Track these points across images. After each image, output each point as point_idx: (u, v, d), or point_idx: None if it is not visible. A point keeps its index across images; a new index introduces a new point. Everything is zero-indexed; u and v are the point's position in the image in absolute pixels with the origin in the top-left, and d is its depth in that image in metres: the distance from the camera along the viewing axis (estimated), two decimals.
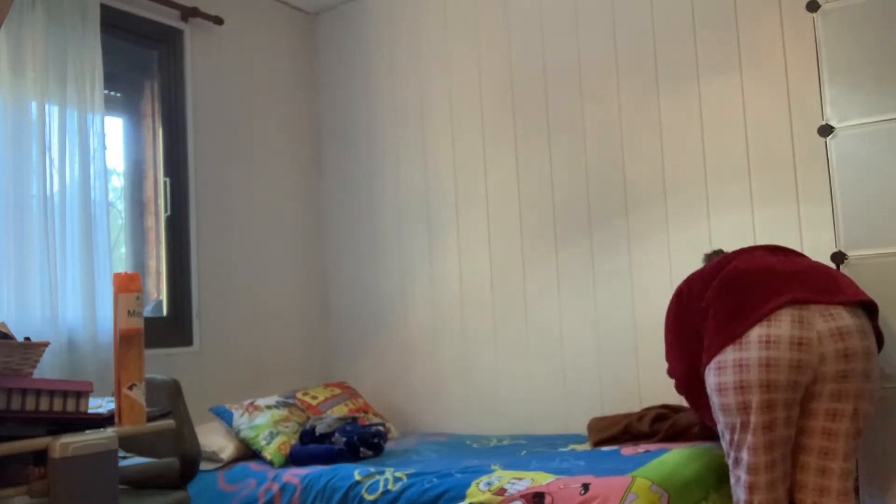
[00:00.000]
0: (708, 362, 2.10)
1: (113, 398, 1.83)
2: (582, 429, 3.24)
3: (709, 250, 2.89)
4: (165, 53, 3.54)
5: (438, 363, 3.75)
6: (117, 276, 1.80)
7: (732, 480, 2.11)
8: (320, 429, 3.08)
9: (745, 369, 1.99)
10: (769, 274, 2.10)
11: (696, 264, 2.97)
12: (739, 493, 2.07)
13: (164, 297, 3.45)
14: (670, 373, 2.42)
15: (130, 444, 2.18)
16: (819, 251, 2.73)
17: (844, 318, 2.01)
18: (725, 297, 2.11)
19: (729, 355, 2.02)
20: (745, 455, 2.03)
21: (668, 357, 2.42)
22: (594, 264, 3.35)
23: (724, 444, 2.13)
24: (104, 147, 3.04)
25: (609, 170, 3.33)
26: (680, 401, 3.08)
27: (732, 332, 2.03)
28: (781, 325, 1.99)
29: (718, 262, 2.28)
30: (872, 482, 2.26)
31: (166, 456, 2.20)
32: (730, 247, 3.01)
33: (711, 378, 2.08)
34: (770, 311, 2.00)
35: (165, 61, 3.54)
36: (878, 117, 2.43)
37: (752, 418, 1.99)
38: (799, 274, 2.10)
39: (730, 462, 2.12)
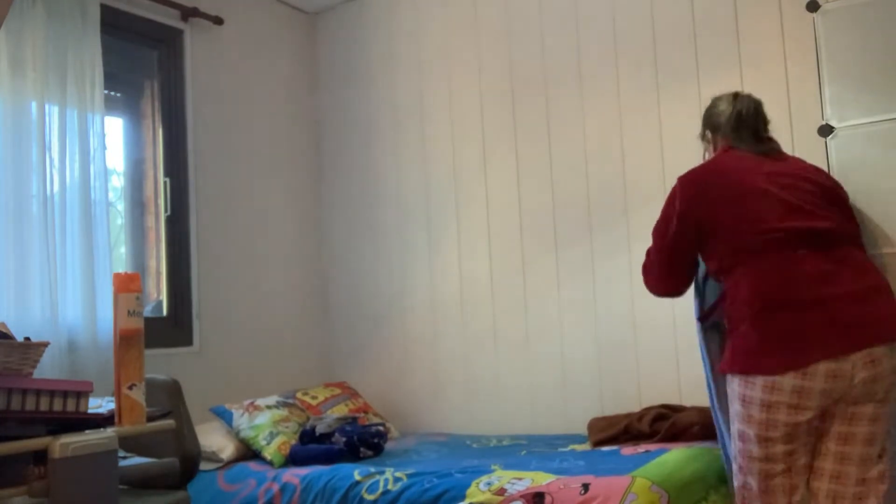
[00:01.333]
0: (751, 373, 1.97)
1: (113, 398, 1.83)
2: (582, 429, 3.24)
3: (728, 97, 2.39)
4: (165, 53, 3.54)
5: (438, 363, 3.75)
6: (117, 276, 1.80)
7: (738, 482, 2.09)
8: (320, 429, 3.08)
9: (804, 395, 1.91)
10: (833, 306, 1.94)
11: None
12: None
13: (164, 297, 3.45)
14: (649, 264, 2.32)
15: (130, 444, 2.18)
16: None
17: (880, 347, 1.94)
18: (776, 314, 1.96)
19: (788, 381, 1.91)
20: (766, 465, 2.01)
21: (653, 248, 2.28)
22: (594, 264, 3.35)
23: (738, 445, 2.06)
24: (104, 147, 3.04)
25: (609, 170, 3.33)
26: (680, 401, 3.08)
27: (792, 361, 1.91)
28: (848, 363, 1.91)
29: (752, 209, 2.04)
30: None
31: (166, 456, 2.20)
32: None
33: (757, 392, 1.95)
34: (839, 352, 1.89)
35: (165, 61, 3.54)
36: (878, 117, 2.43)
37: (795, 440, 1.97)
38: (864, 312, 1.95)
39: (740, 472, 2.07)
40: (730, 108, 2.28)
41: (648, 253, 2.31)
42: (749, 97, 2.30)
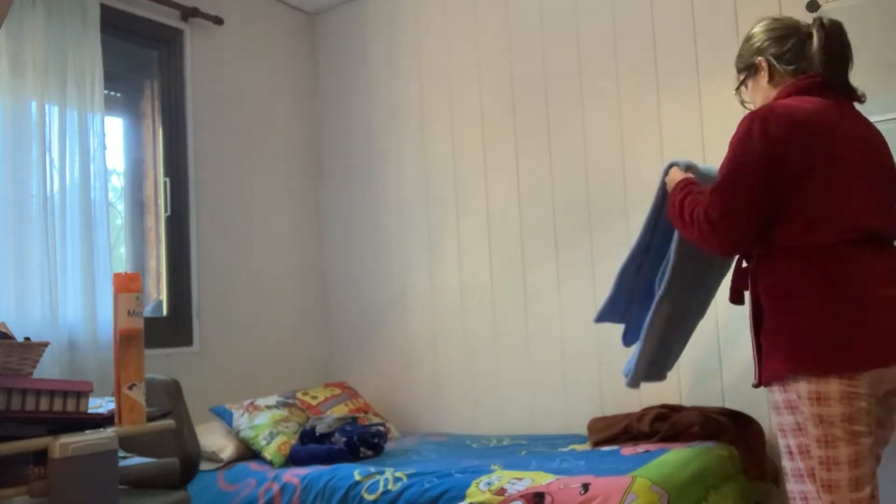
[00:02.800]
0: (794, 371, 1.76)
1: (113, 398, 1.83)
2: (582, 429, 3.24)
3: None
4: (165, 53, 3.54)
5: (438, 363, 3.75)
6: (117, 276, 1.80)
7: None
8: (320, 429, 3.08)
9: (853, 385, 1.73)
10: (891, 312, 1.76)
11: None
12: None
13: (164, 297, 3.45)
14: (718, 203, 1.79)
15: (130, 444, 2.18)
16: None
17: None
18: (841, 323, 1.75)
19: (834, 386, 1.73)
20: (841, 474, 1.76)
21: (725, 185, 1.79)
22: (594, 264, 3.35)
23: (798, 462, 1.80)
24: (104, 147, 3.04)
25: (609, 170, 3.33)
26: (680, 401, 3.08)
27: (840, 366, 1.73)
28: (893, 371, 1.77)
29: (843, 186, 1.74)
30: None
31: (166, 456, 2.20)
32: None
33: (803, 385, 1.75)
34: (892, 361, 1.75)
35: (165, 61, 3.54)
36: (878, 117, 2.43)
37: (858, 427, 1.75)
38: None
39: (808, 485, 1.79)
40: (812, 28, 1.84)
41: (714, 208, 1.79)
42: (832, 19, 1.85)
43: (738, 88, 2.02)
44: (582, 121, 3.41)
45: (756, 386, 1.91)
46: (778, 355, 1.80)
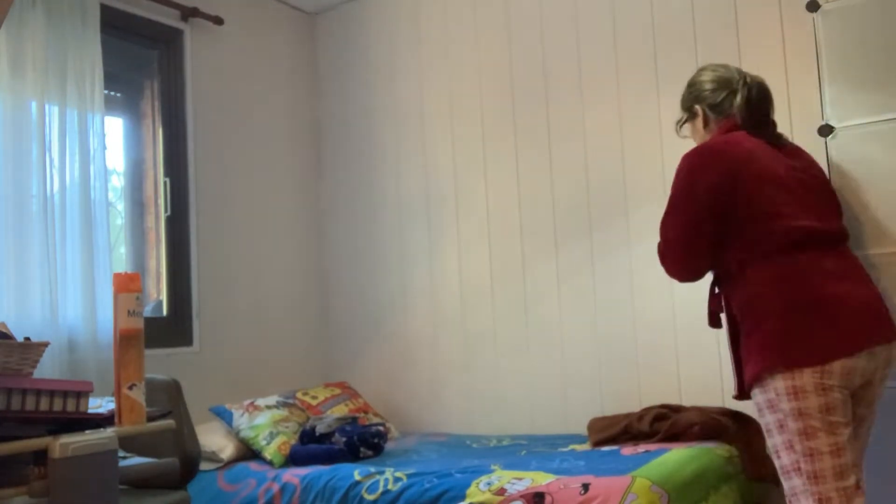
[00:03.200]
0: (770, 368, 1.89)
1: (113, 398, 1.83)
2: (582, 429, 3.24)
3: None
4: (165, 53, 3.54)
5: (438, 363, 3.75)
6: (117, 276, 1.80)
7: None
8: (320, 429, 3.08)
9: (826, 376, 1.86)
10: (849, 305, 1.91)
11: None
12: None
13: (164, 297, 3.45)
14: (669, 230, 2.06)
15: (130, 444, 2.18)
16: None
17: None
18: (798, 309, 1.89)
19: (808, 378, 1.86)
20: (824, 464, 1.87)
21: (672, 212, 2.05)
22: (594, 264, 3.35)
23: (784, 458, 1.92)
24: (104, 147, 3.04)
25: (609, 170, 3.33)
26: (680, 401, 3.08)
27: (811, 359, 1.86)
28: (862, 359, 1.89)
29: (771, 197, 1.95)
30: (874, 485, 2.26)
31: (166, 456, 2.20)
32: None
33: (780, 382, 1.88)
34: (853, 350, 1.87)
35: (165, 61, 3.54)
36: (878, 117, 2.43)
37: (836, 417, 1.86)
38: (871, 308, 1.95)
39: (795, 480, 1.91)
40: (737, 86, 2.13)
41: (665, 236, 2.08)
42: (755, 77, 2.16)
43: (679, 125, 2.27)
44: (582, 121, 3.41)
45: (736, 397, 2.05)
46: (754, 358, 1.93)
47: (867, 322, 1.92)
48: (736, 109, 2.12)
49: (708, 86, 2.18)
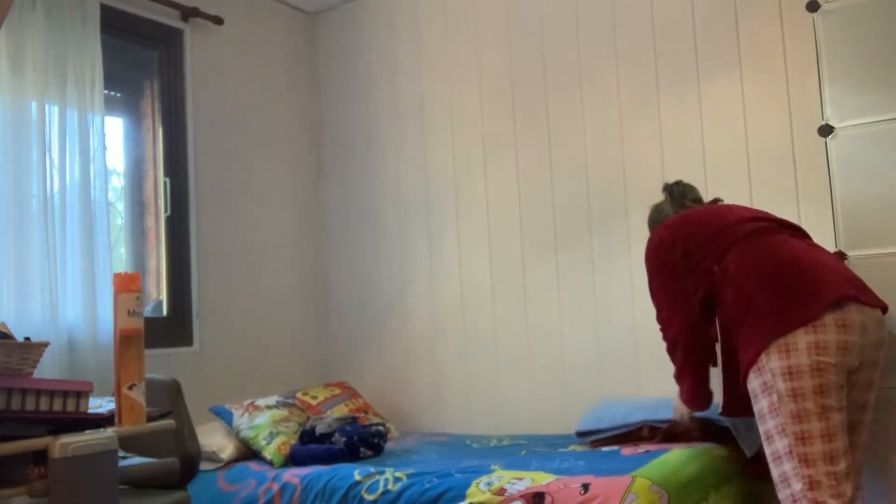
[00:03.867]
0: (765, 345, 1.98)
1: (113, 398, 1.83)
2: None
3: (670, 181, 2.70)
4: (165, 53, 3.54)
5: (438, 363, 3.75)
6: (117, 276, 1.80)
7: (789, 489, 1.95)
8: (320, 429, 3.08)
9: (821, 351, 1.93)
10: (822, 266, 2.07)
11: None
12: (817, 493, 1.91)
13: (164, 297, 3.45)
14: (665, 322, 2.36)
15: (130, 444, 2.18)
16: None
17: (875, 312, 2.09)
18: (779, 282, 2.04)
19: (801, 337, 1.94)
20: (815, 447, 1.91)
21: (661, 306, 2.37)
22: (594, 264, 3.35)
23: (777, 444, 1.97)
24: (104, 147, 3.04)
25: (609, 170, 3.33)
26: None
27: (803, 316, 1.96)
28: (851, 312, 1.97)
29: (721, 224, 2.25)
30: (872, 482, 2.26)
31: (166, 456, 2.20)
32: None
33: (775, 362, 1.96)
34: (838, 297, 1.97)
35: (165, 61, 3.54)
36: (878, 117, 2.43)
37: (828, 401, 1.93)
38: (842, 270, 2.11)
39: (786, 465, 1.96)
40: (664, 197, 2.61)
41: (670, 338, 2.38)
42: (675, 183, 2.63)
43: None
44: (582, 121, 3.41)
45: (722, 413, 2.24)
46: (749, 342, 2.02)
47: (848, 276, 2.06)
48: (671, 210, 2.55)
49: (653, 213, 2.65)
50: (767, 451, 2.00)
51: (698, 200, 2.59)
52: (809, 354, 1.93)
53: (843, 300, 1.98)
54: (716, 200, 2.56)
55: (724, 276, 2.15)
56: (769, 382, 1.97)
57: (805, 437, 1.92)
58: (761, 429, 2.03)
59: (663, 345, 3.18)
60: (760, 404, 2.01)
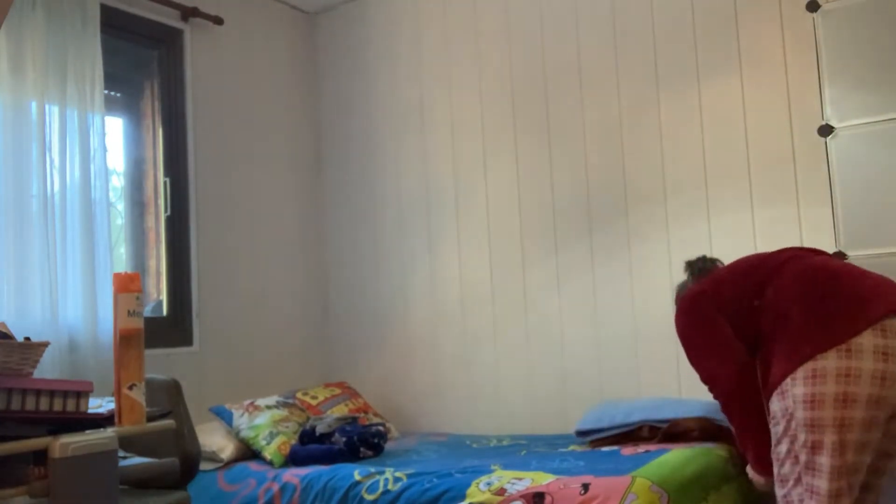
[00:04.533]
0: (791, 370, 1.83)
1: (113, 398, 1.83)
2: None
3: (692, 258, 2.56)
4: (165, 53, 3.54)
5: (438, 363, 3.75)
6: (117, 276, 1.80)
7: None
8: (320, 429, 3.08)
9: (852, 380, 1.76)
10: (869, 279, 1.90)
11: None
12: None
13: (164, 297, 3.45)
14: (713, 380, 2.15)
15: (130, 444, 2.18)
16: None
17: None
18: (814, 296, 1.89)
19: (831, 362, 1.78)
20: (821, 482, 1.79)
21: (706, 365, 2.16)
22: (594, 264, 3.35)
23: (786, 467, 1.89)
24: (104, 147, 3.04)
25: (609, 170, 3.33)
26: (679, 395, 3.08)
27: (833, 337, 1.79)
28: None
29: (755, 262, 2.14)
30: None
31: (166, 456, 2.20)
32: (730, 248, 3.01)
33: (799, 388, 1.81)
34: (881, 316, 1.78)
35: (165, 61, 3.54)
36: (878, 117, 2.44)
37: (850, 436, 1.77)
38: (882, 283, 1.93)
39: (791, 491, 1.88)
40: (688, 273, 2.46)
41: (723, 394, 2.16)
42: (699, 259, 2.48)
43: None
44: (582, 120, 3.41)
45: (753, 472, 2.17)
46: (779, 364, 1.90)
47: (887, 292, 1.87)
48: (693, 282, 2.40)
49: (677, 291, 2.49)
50: (775, 468, 1.92)
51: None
52: (837, 383, 1.77)
53: (890, 316, 1.79)
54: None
55: (764, 306, 2.01)
56: (789, 409, 1.85)
57: (815, 469, 1.79)
58: (774, 449, 1.93)
59: (663, 344, 3.16)
60: (778, 428, 1.90)
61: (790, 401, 1.85)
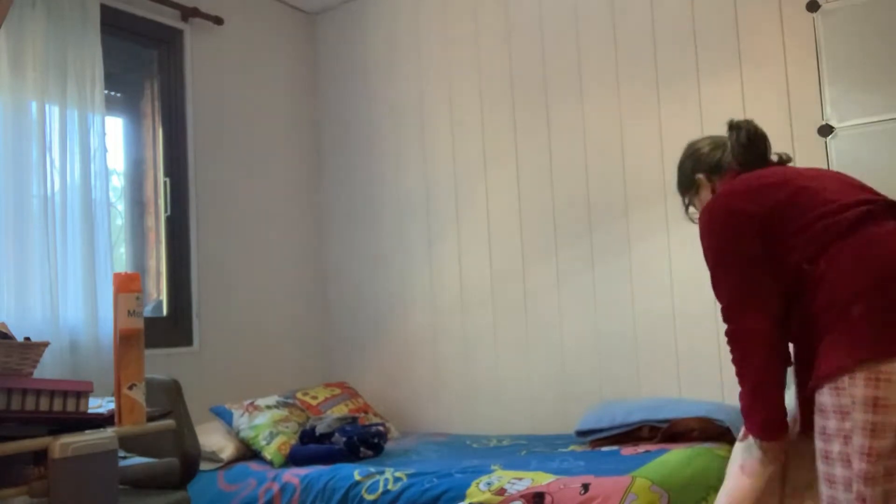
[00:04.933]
0: (850, 367, 1.63)
1: (113, 398, 1.83)
2: None
3: (740, 120, 2.03)
4: (165, 53, 3.54)
5: (438, 363, 3.75)
6: (117, 276, 1.80)
7: None
8: (320, 429, 3.08)
9: None
10: None
11: (697, 265, 2.95)
12: None
13: (164, 297, 3.45)
14: (741, 331, 1.81)
15: (130, 444, 2.18)
16: None
17: None
18: (885, 292, 1.63)
19: None
20: (878, 486, 1.61)
21: (736, 306, 1.81)
22: (594, 264, 3.35)
23: (837, 469, 1.67)
24: (104, 147, 3.04)
25: (609, 170, 3.33)
26: (679, 395, 3.08)
27: None
28: None
29: (817, 199, 1.75)
30: None
31: (166, 456, 2.20)
32: None
33: (860, 389, 1.61)
34: None
35: (165, 61, 3.54)
36: (878, 117, 2.44)
37: None
38: None
39: (841, 495, 1.66)
40: (730, 140, 2.00)
41: (740, 347, 1.82)
42: (741, 121, 2.01)
43: (686, 210, 2.12)
44: (582, 120, 3.41)
45: (801, 432, 1.80)
46: (833, 353, 1.66)
47: None
48: (732, 157, 1.98)
49: (705, 148, 2.05)
50: (821, 468, 1.71)
51: (764, 158, 1.98)
52: None
53: None
54: (784, 161, 2.00)
55: (815, 278, 1.72)
56: (846, 408, 1.64)
57: (867, 478, 1.61)
58: (820, 446, 1.72)
59: (663, 344, 3.15)
60: (829, 423, 1.69)
61: (847, 399, 1.65)
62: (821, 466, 1.71)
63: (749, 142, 1.95)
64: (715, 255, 1.84)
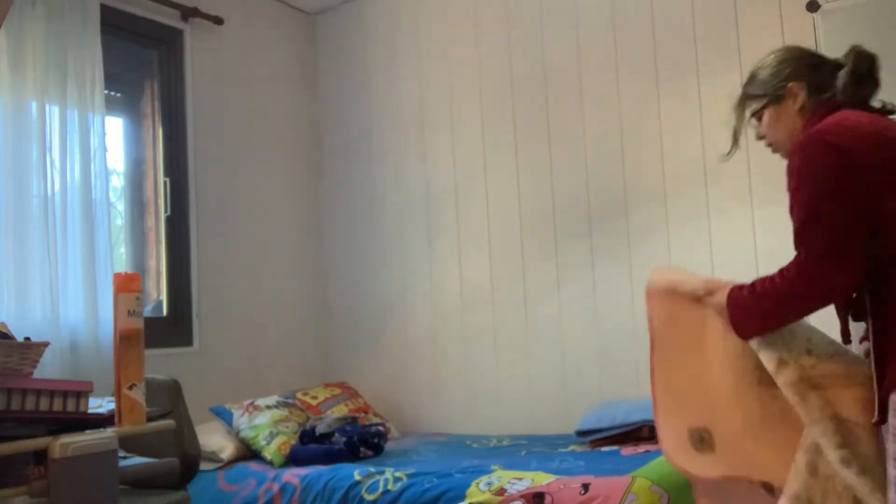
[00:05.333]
0: None
1: (113, 398, 1.83)
2: None
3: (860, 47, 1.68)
4: (165, 53, 3.54)
5: (438, 363, 3.75)
6: (117, 276, 1.80)
7: None
8: (320, 429, 3.08)
9: None
10: None
11: (697, 265, 2.95)
12: None
13: (164, 297, 3.45)
14: (814, 268, 1.56)
15: (130, 444, 2.18)
16: None
17: None
18: None
19: None
20: None
21: (819, 248, 1.55)
22: (594, 264, 3.35)
23: None
24: (104, 147, 3.04)
25: (609, 170, 3.33)
26: None
27: None
28: None
29: None
30: None
31: (166, 456, 2.20)
32: (730, 248, 3.01)
33: None
34: None
35: (165, 61, 3.54)
36: None
37: None
38: None
39: None
40: (848, 65, 1.65)
41: (800, 285, 1.58)
42: (872, 53, 1.66)
43: (755, 115, 1.78)
44: (582, 120, 3.41)
45: (877, 423, 1.53)
46: None
47: None
48: (840, 87, 1.64)
49: (803, 60, 1.69)
50: (891, 472, 1.48)
51: (865, 102, 1.66)
52: None
53: None
54: (888, 111, 1.67)
55: None
56: None
57: None
58: (891, 449, 1.49)
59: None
60: None
61: None
62: (891, 470, 1.50)
63: (868, 76, 1.64)
64: (808, 186, 1.59)
